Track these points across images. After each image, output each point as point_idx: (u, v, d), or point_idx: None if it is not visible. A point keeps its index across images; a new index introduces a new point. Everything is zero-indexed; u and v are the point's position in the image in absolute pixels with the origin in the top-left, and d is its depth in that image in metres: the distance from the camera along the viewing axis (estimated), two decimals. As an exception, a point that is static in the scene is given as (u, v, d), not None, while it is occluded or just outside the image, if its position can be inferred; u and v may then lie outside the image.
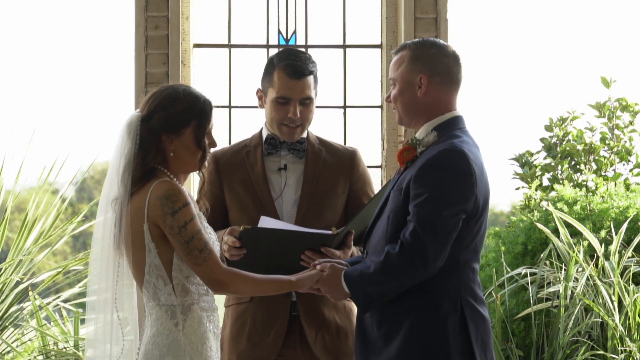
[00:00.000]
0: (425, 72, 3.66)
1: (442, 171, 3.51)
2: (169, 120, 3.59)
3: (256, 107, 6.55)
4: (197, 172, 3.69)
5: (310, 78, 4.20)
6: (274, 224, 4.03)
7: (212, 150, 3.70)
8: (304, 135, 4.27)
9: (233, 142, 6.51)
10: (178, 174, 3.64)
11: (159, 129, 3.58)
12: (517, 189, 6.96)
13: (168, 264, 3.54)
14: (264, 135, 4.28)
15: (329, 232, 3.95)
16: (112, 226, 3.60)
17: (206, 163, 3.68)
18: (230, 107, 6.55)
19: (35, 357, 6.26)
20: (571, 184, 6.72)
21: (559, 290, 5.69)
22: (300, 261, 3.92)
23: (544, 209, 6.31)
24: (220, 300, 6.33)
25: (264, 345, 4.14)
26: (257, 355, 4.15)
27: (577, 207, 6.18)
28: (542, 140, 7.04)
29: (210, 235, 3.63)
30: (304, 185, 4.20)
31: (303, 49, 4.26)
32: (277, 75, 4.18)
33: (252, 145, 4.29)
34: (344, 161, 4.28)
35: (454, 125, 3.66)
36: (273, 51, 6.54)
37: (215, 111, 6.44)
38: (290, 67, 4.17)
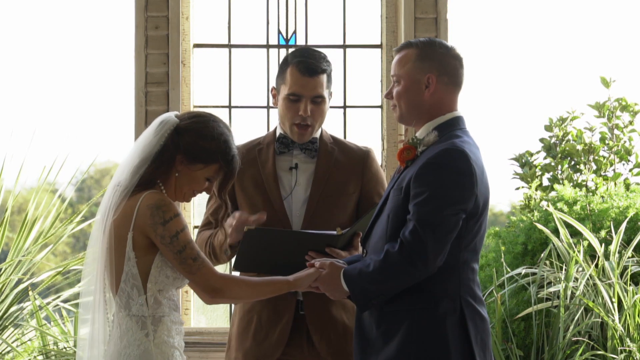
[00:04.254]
0: (433, 72, 3.65)
1: (443, 170, 3.51)
2: (193, 148, 3.58)
3: (256, 107, 6.60)
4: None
5: (323, 77, 4.18)
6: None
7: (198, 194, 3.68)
8: (317, 135, 4.25)
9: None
10: (170, 189, 3.62)
11: (180, 148, 3.57)
12: (517, 189, 6.96)
13: (145, 274, 3.53)
14: (277, 133, 4.26)
15: (334, 232, 3.95)
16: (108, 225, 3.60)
17: (189, 199, 3.67)
18: (230, 107, 6.55)
19: (35, 357, 6.27)
20: (571, 184, 6.72)
21: (559, 291, 5.69)
22: (306, 261, 3.91)
23: (544, 209, 6.31)
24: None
25: (269, 343, 4.13)
26: (262, 353, 4.14)
27: (577, 207, 6.18)
28: (541, 140, 7.04)
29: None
30: (314, 185, 4.18)
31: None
32: (290, 72, 4.16)
33: (265, 143, 4.27)
34: (356, 160, 4.24)
35: (454, 126, 3.65)
36: (273, 51, 6.56)
37: (215, 111, 6.52)
38: (302, 64, 4.15)
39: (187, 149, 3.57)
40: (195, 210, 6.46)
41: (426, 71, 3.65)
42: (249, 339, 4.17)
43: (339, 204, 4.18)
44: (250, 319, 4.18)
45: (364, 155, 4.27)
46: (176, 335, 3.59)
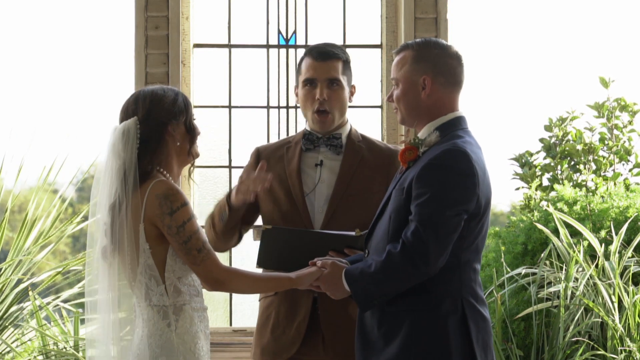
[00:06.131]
0: (428, 73, 3.65)
1: (444, 171, 3.51)
2: (170, 109, 3.62)
3: (256, 107, 6.60)
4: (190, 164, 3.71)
5: (338, 63, 4.19)
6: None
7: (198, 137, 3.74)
8: (344, 132, 4.25)
9: (233, 141, 6.55)
10: (173, 169, 3.65)
11: (165, 120, 3.60)
12: (517, 189, 6.96)
13: (161, 264, 3.55)
14: (305, 131, 4.28)
15: (352, 233, 3.94)
16: (110, 232, 3.61)
17: (198, 151, 3.72)
18: (230, 107, 6.55)
19: (35, 357, 6.26)
20: (571, 184, 6.73)
21: (559, 291, 5.69)
22: None
23: (544, 209, 6.32)
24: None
25: (285, 339, 4.13)
26: (278, 349, 4.14)
27: (577, 207, 6.18)
28: (541, 140, 7.04)
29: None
30: (338, 182, 4.16)
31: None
32: (304, 62, 4.21)
33: (294, 141, 4.28)
34: (384, 159, 4.21)
35: (456, 126, 3.65)
36: (273, 51, 6.56)
37: (215, 111, 6.52)
38: (315, 50, 4.20)
39: (168, 113, 3.62)
40: (194, 210, 6.45)
41: (421, 73, 3.66)
42: (267, 334, 4.18)
43: (362, 202, 4.14)
44: (269, 314, 4.19)
45: (392, 155, 4.22)
46: (199, 323, 3.61)
